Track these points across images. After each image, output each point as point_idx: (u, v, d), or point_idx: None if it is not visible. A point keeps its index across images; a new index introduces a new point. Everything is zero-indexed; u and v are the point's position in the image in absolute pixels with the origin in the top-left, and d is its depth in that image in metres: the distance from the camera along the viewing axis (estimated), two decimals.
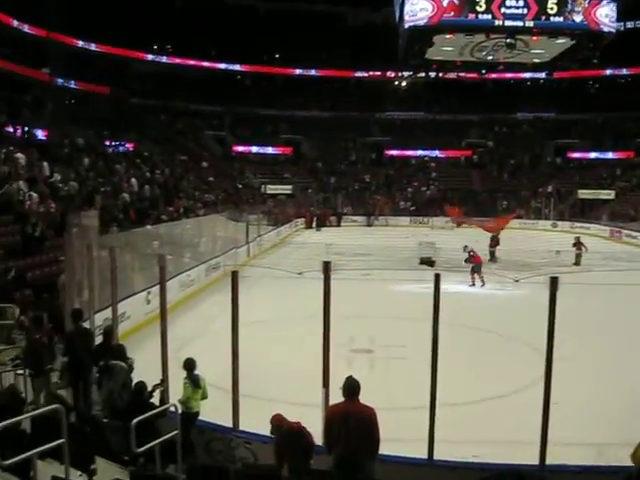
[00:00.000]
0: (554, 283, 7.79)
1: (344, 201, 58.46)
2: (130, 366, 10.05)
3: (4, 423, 6.37)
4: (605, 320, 18.84)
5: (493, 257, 32.04)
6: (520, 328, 16.67)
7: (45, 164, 28.66)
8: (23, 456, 6.33)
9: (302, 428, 7.76)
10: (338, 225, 53.87)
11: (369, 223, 55.01)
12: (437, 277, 8.19)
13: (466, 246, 27.48)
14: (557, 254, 28.76)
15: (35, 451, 6.44)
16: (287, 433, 7.74)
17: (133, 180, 34.76)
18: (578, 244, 32.04)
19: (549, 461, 8.25)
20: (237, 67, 66.15)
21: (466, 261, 26.70)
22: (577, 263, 31.07)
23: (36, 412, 7.57)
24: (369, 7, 60.56)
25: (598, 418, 11.30)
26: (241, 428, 9.47)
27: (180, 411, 8.90)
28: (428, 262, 29.20)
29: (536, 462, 8.18)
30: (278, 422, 7.95)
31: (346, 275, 21.96)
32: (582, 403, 11.89)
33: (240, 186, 54.68)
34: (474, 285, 25.98)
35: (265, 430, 8.98)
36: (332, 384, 8.99)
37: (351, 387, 7.46)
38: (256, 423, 9.46)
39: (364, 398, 7.55)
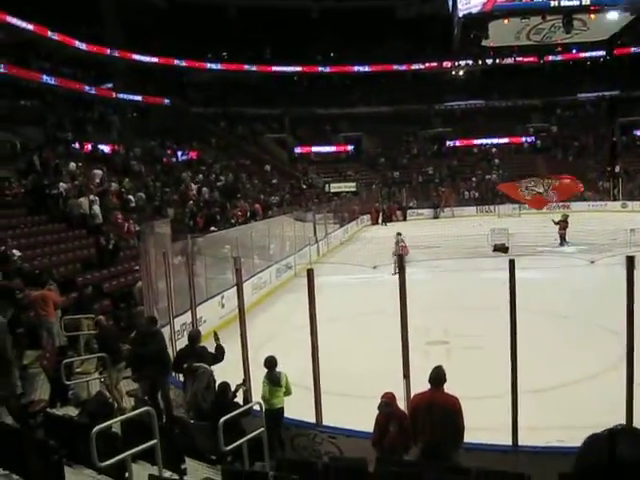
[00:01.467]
0: (631, 262, 7.69)
1: (409, 195, 58.22)
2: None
3: (99, 426, 6.62)
4: None
5: (564, 241, 31.56)
6: (597, 311, 16.42)
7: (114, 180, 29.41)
8: (118, 457, 6.57)
9: (407, 415, 7.92)
10: (404, 219, 53.71)
11: (435, 215, 54.72)
12: (512, 263, 8.16)
13: (399, 233, 26.91)
14: (632, 232, 28.16)
15: (129, 452, 6.67)
16: (392, 413, 7.86)
17: (200, 187, 35.38)
18: None
19: None
20: (293, 68, 66.53)
21: (395, 253, 25.08)
22: None
23: (129, 415, 7.84)
24: None
25: None
26: (325, 423, 9.60)
27: (264, 409, 9.07)
28: (502, 249, 28.96)
29: None
30: (389, 400, 8.03)
31: (417, 266, 22.11)
32: None
33: (304, 186, 54.98)
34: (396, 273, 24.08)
35: (349, 424, 9.13)
36: (410, 377, 9.07)
37: (438, 376, 7.58)
38: (339, 418, 9.62)
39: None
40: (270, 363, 9.76)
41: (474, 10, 29.00)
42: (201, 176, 39.62)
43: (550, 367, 12.87)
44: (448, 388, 7.75)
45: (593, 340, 14.89)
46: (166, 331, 12.64)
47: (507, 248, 28.88)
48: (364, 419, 8.55)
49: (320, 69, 67.52)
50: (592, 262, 21.47)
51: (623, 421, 8.21)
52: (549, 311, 17.67)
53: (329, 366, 10.25)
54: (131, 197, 28.68)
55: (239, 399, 9.72)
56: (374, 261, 24.37)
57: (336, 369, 11.95)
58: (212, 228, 27.28)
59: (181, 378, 10.97)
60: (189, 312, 13.84)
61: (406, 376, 8.88)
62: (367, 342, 15.15)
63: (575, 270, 23.75)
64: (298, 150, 63.83)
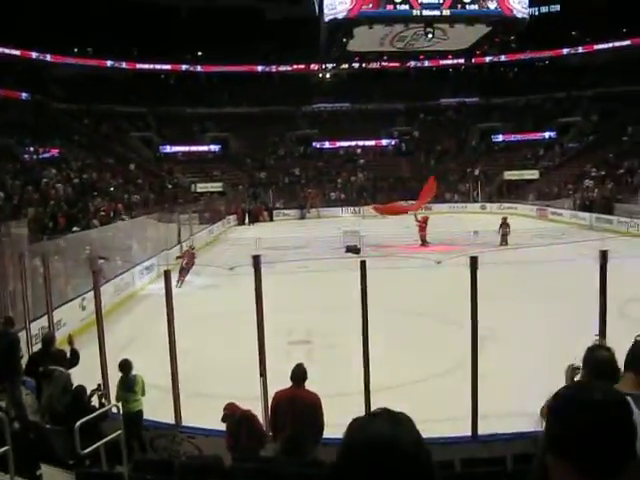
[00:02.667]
0: (474, 262, 8.19)
1: (275, 196, 58.61)
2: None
3: None
4: (534, 294, 19.43)
5: (424, 241, 32.67)
6: (446, 309, 17.04)
7: None
8: None
9: (254, 415, 8.06)
10: (270, 220, 54.04)
11: (302, 216, 55.33)
12: (363, 264, 8.50)
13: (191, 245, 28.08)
14: (475, 234, 29.50)
15: None
16: (240, 419, 8.01)
17: (59, 186, 34.36)
18: (504, 224, 32.82)
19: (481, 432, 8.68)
20: (160, 66, 65.73)
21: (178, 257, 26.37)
22: (504, 243, 31.93)
23: None
24: (288, 1, 60.78)
25: (528, 390, 11.77)
26: (184, 424, 9.68)
27: (121, 412, 9.05)
28: (354, 250, 29.71)
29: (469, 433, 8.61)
30: (231, 410, 8.22)
31: (279, 269, 22.39)
32: (510, 377, 12.38)
33: (169, 186, 54.32)
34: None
35: (207, 424, 9.24)
36: (273, 376, 9.28)
37: (299, 373, 7.80)
38: (198, 418, 9.72)
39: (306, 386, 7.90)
40: (124, 367, 9.71)
41: (339, 15, 29.55)
42: (63, 174, 38.47)
43: (407, 363, 13.37)
44: (308, 385, 8.00)
45: (444, 336, 15.52)
46: (22, 336, 12.33)
47: (359, 249, 29.65)
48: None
49: (188, 68, 67.03)
50: (438, 262, 22.40)
51: (468, 412, 8.73)
52: (402, 309, 18.29)
53: (189, 367, 10.33)
54: None
55: (95, 404, 9.64)
56: (233, 262, 24.47)
57: (196, 370, 12.03)
58: (74, 228, 26.61)
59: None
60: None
61: (262, 375, 9.08)
62: (228, 342, 15.27)
63: (424, 270, 24.47)
64: (164, 149, 62.97)
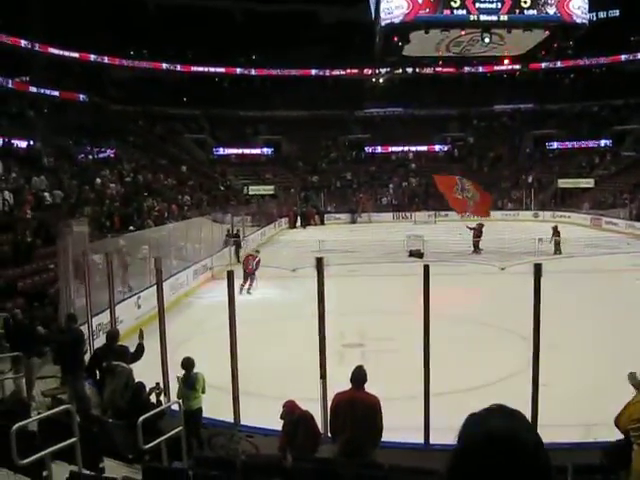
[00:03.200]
0: (538, 270, 8.09)
1: (327, 199, 58.68)
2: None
3: (18, 424, 6.58)
4: (591, 305, 19.18)
5: (477, 248, 32.42)
6: (507, 317, 16.91)
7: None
8: (37, 456, 6.54)
9: (312, 416, 8.10)
10: (322, 223, 54.12)
11: (353, 220, 55.26)
12: (426, 268, 8.45)
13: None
14: (540, 242, 29.20)
15: (48, 451, 6.65)
16: (298, 419, 8.06)
17: (113, 186, 34.91)
18: (555, 232, 32.36)
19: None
20: (214, 69, 66.31)
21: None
22: (558, 251, 31.51)
23: (48, 413, 7.78)
24: (342, 4, 60.81)
25: (587, 400, 11.62)
26: (243, 423, 9.74)
27: (182, 409, 9.14)
28: (417, 254, 29.64)
29: None
30: (290, 408, 8.26)
31: (335, 271, 22.41)
32: (571, 387, 12.22)
33: (222, 188, 54.79)
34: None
35: (265, 423, 9.29)
36: (330, 380, 9.30)
37: (359, 375, 7.80)
38: (257, 418, 9.79)
39: None
40: (186, 364, 9.81)
41: (396, 20, 29.48)
42: (116, 175, 39.06)
43: (463, 371, 13.29)
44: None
45: (504, 345, 15.39)
46: (84, 330, 12.55)
47: (422, 254, 29.56)
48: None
49: (242, 71, 67.52)
50: (502, 269, 22.11)
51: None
52: (462, 316, 18.17)
53: (247, 367, 10.40)
54: (46, 194, 28.16)
55: (153, 401, 9.78)
56: (293, 264, 24.60)
57: (254, 370, 12.10)
58: (130, 228, 27.02)
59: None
60: (106, 312, 13.76)
61: (323, 377, 9.09)
62: (286, 344, 15.34)
63: (486, 277, 24.42)
64: (217, 151, 63.50)
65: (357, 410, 7.56)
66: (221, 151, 63.50)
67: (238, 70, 67.40)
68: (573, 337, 15.46)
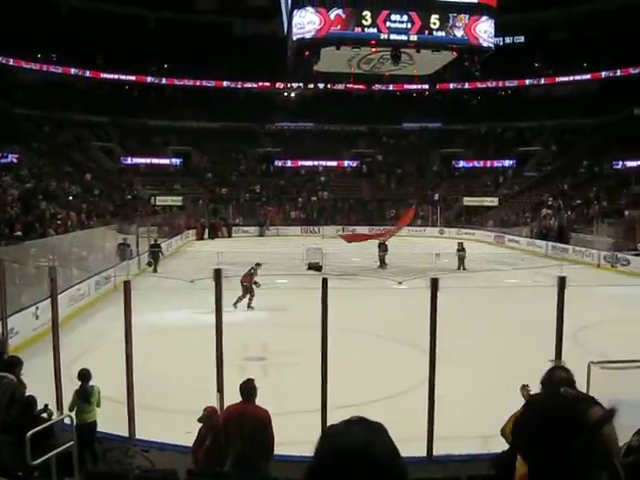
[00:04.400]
0: (434, 284, 8.22)
1: (235, 212, 58.44)
2: (19, 379, 9.93)
3: None
4: (490, 319, 19.61)
5: (383, 263, 32.84)
6: (408, 331, 17.05)
7: None
8: None
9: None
10: (229, 236, 53.85)
11: (261, 233, 55.26)
12: (324, 282, 8.46)
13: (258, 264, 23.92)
14: (437, 257, 29.78)
15: None
16: (210, 427, 8.00)
17: (15, 192, 33.92)
18: (461, 249, 33.16)
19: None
20: (125, 77, 65.29)
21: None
22: (462, 267, 32.28)
23: None
24: (257, 18, 60.91)
25: (484, 412, 11.84)
26: (139, 437, 9.54)
27: (74, 423, 8.88)
28: (315, 267, 29.74)
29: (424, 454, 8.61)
30: (210, 413, 8.20)
31: (237, 284, 22.29)
32: (469, 399, 12.45)
33: (129, 198, 53.84)
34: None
35: (164, 437, 9.12)
36: (226, 392, 9.19)
37: (248, 389, 7.74)
38: (154, 432, 9.59)
39: (258, 403, 7.82)
40: (83, 376, 9.55)
41: (308, 35, 29.52)
42: (19, 181, 37.96)
43: (362, 383, 13.36)
44: (261, 402, 7.94)
45: (404, 358, 15.54)
46: None
47: (320, 267, 29.66)
48: (178, 433, 8.59)
49: (152, 80, 66.70)
50: (400, 283, 22.48)
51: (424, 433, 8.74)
52: (362, 330, 18.30)
53: (145, 379, 10.20)
54: None
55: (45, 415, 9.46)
56: (193, 275, 24.33)
57: (152, 383, 11.88)
58: (31, 235, 26.27)
59: None
60: None
61: (220, 390, 8.99)
62: (184, 356, 15.12)
63: (388, 291, 24.66)
64: (125, 160, 62.39)
65: (246, 423, 7.50)
66: (129, 160, 62.35)
67: (149, 79, 66.50)
68: (472, 350, 15.76)
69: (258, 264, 23.35)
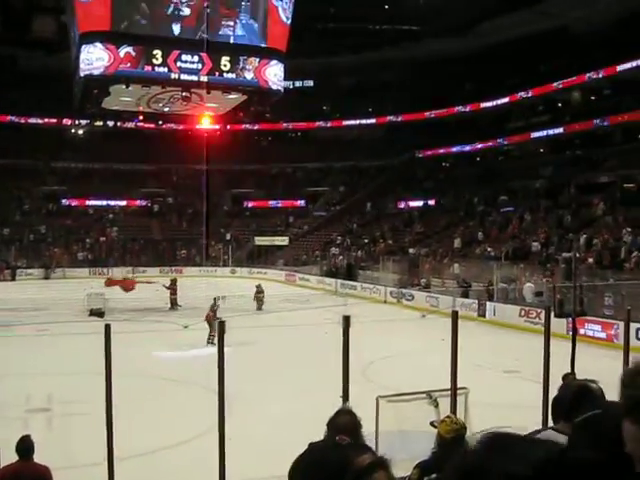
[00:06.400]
0: (222, 326, 8.20)
1: (18, 253, 55.57)
2: None
3: None
4: (282, 358, 19.82)
5: (175, 305, 32.56)
6: (196, 373, 16.79)
7: None
8: None
9: None
10: (13, 279, 51.16)
11: (46, 275, 53.00)
12: (107, 328, 8.23)
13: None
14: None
15: None
16: None
17: None
18: (259, 290, 33.70)
19: None
20: None
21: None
22: (260, 308, 32.82)
23: None
24: (44, 51, 58.68)
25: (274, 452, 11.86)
26: None
27: None
28: (98, 313, 28.75)
29: None
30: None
31: (19, 332, 21.21)
32: (261, 440, 12.45)
33: None
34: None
35: None
36: (6, 451, 8.61)
37: (25, 445, 7.24)
38: None
39: (42, 458, 7.34)
40: None
41: (96, 72, 28.86)
42: None
43: (153, 430, 13.04)
44: (45, 457, 7.47)
45: (197, 401, 15.29)
46: None
47: (103, 313, 28.72)
48: None
49: None
50: (186, 327, 22.42)
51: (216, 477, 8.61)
52: (149, 374, 17.94)
53: None
54: None
55: None
56: None
57: None
58: None
59: None
60: None
61: None
62: None
63: (180, 332, 24.23)
64: None
65: None
66: None
67: None
68: (269, 390, 15.84)
69: (217, 298, 24.32)
